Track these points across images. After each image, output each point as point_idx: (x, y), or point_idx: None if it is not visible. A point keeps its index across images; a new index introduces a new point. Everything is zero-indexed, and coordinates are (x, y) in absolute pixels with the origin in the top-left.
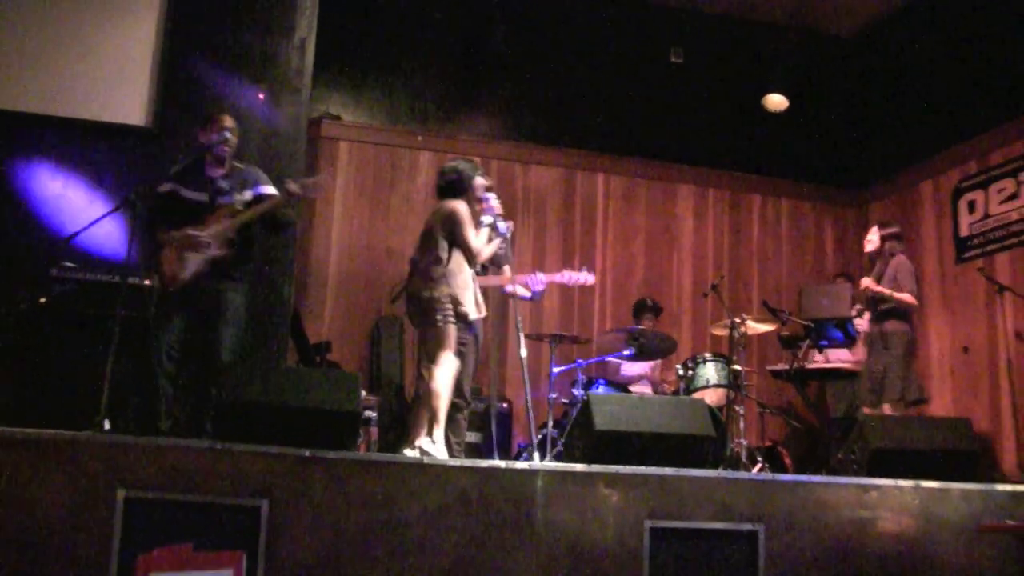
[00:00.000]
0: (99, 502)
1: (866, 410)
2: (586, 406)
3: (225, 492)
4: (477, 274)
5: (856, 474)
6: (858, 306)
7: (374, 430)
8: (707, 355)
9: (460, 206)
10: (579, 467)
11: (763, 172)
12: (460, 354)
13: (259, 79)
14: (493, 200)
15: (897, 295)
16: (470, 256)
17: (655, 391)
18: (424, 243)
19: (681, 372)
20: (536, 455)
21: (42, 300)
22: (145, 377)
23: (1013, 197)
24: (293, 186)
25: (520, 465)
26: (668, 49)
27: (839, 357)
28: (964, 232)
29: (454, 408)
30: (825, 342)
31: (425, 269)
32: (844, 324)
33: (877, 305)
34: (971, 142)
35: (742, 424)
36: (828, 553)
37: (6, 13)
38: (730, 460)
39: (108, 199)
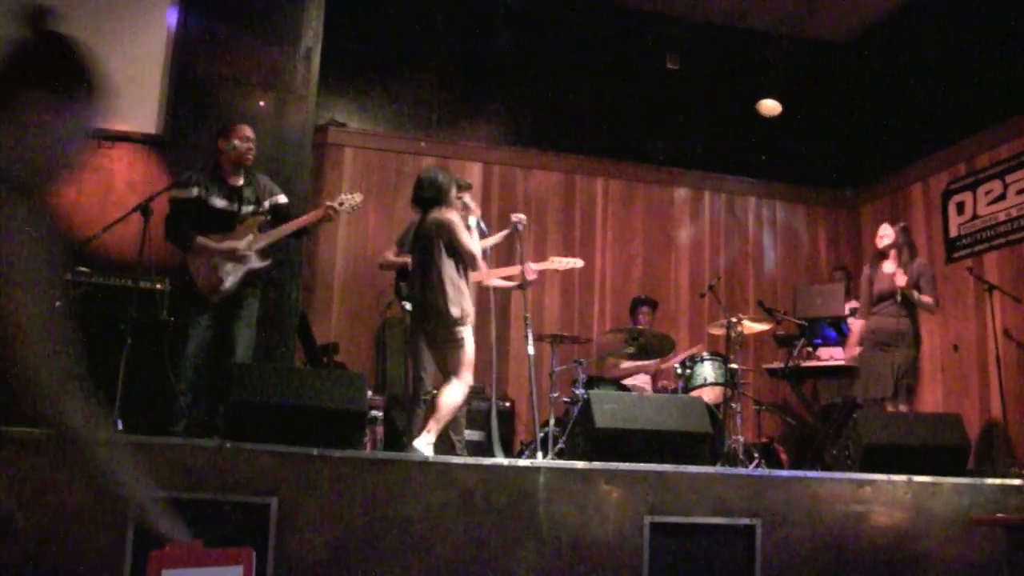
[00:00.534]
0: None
1: (887, 407)
2: (587, 405)
3: (235, 490)
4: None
5: (850, 469)
6: (852, 304)
7: (380, 429)
8: (705, 354)
9: (452, 215)
10: (580, 464)
11: (758, 175)
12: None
13: (266, 87)
14: (468, 200)
15: (924, 298)
16: (471, 262)
17: (655, 381)
18: (425, 256)
19: (679, 371)
20: (538, 453)
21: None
22: (157, 379)
23: (1000, 198)
24: (335, 204)
25: (522, 463)
26: (665, 56)
27: (832, 355)
28: (953, 233)
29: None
30: (819, 340)
31: (440, 284)
32: (838, 323)
33: (904, 300)
34: (959, 145)
35: (739, 421)
36: (823, 546)
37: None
38: (727, 457)
39: (120, 205)
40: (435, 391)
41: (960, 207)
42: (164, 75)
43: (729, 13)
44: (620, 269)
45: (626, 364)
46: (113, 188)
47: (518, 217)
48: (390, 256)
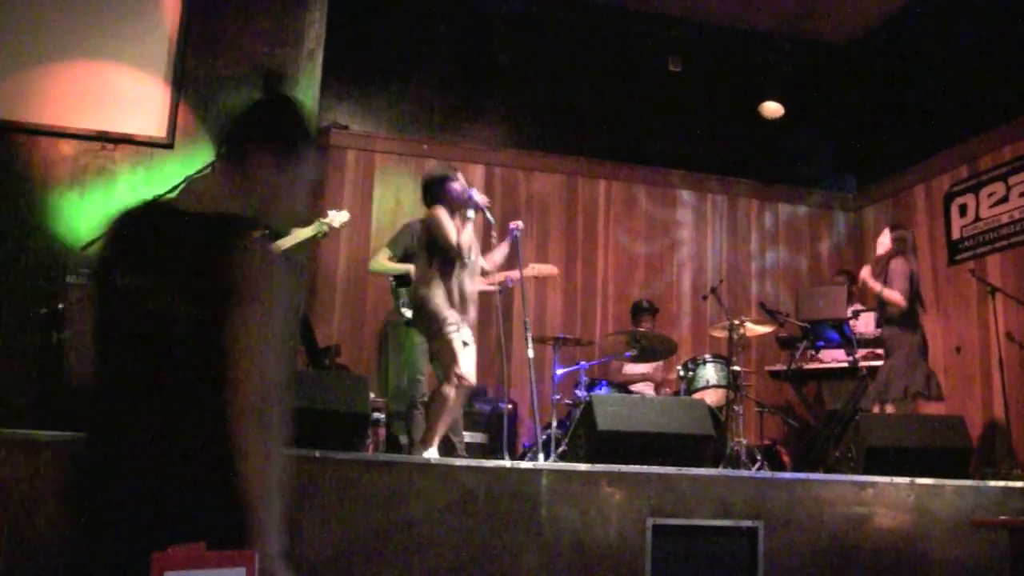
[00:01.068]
0: None
1: (875, 408)
2: (589, 407)
3: None
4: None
5: (853, 471)
6: (855, 307)
7: (382, 431)
8: (707, 356)
9: (437, 211)
10: (583, 466)
11: (760, 177)
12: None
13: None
14: (469, 190)
15: (886, 292)
16: (456, 253)
17: (657, 391)
18: (419, 253)
19: (682, 373)
20: (540, 455)
21: (60, 306)
22: None
23: (1003, 201)
24: (329, 221)
25: (525, 465)
26: (667, 58)
27: (834, 357)
28: (956, 235)
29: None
30: (821, 343)
31: (426, 279)
32: (840, 325)
33: (882, 308)
34: (962, 147)
35: (741, 423)
36: (826, 548)
37: (23, 27)
38: (730, 459)
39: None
40: (425, 398)
41: (963, 209)
42: (167, 77)
43: (731, 15)
44: (622, 271)
45: (628, 370)
46: (115, 190)
47: (516, 224)
48: (384, 260)
